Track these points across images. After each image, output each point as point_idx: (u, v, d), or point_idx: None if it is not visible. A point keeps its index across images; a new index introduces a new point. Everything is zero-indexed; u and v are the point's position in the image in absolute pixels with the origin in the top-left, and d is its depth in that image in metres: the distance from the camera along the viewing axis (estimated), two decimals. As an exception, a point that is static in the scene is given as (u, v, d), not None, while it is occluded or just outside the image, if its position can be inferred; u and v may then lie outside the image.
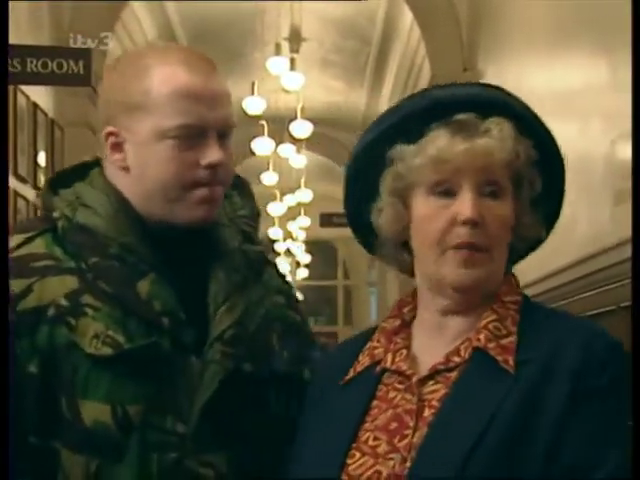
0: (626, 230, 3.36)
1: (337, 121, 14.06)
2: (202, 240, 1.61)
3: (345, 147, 15.15)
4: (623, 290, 3.40)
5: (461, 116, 1.42)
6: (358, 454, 1.39)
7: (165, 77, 1.55)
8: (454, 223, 1.40)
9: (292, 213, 16.38)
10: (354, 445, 1.40)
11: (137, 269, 1.55)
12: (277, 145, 12.35)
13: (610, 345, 1.37)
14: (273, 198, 15.97)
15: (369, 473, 1.36)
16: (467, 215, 1.39)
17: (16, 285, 1.52)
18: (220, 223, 1.64)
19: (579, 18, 4.44)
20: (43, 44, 6.28)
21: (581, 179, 4.30)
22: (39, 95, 6.36)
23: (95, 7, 6.93)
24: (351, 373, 1.49)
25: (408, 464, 1.34)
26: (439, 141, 1.41)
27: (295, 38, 10.73)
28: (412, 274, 1.52)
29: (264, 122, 11.92)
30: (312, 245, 19.28)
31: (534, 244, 1.52)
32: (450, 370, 1.40)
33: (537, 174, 1.46)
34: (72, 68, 5.41)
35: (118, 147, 1.59)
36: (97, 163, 1.65)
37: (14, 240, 1.57)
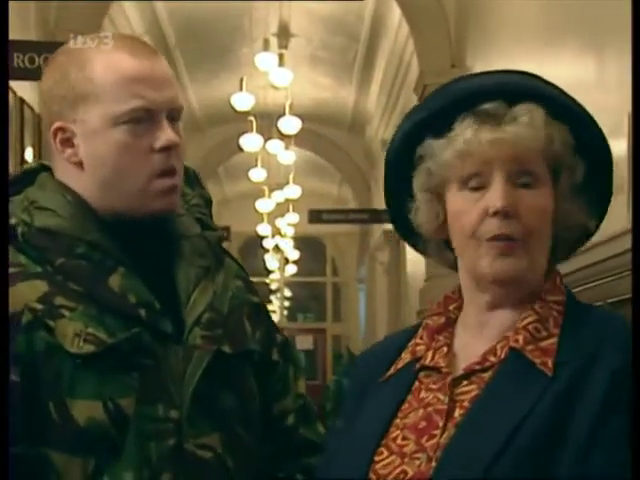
0: (615, 225, 3.37)
1: (325, 117, 14.06)
2: (162, 230, 1.61)
3: (333, 143, 15.19)
4: (614, 285, 3.40)
5: (488, 105, 1.37)
6: (386, 452, 1.38)
7: (108, 64, 1.54)
8: (486, 215, 1.36)
9: (280, 209, 16.38)
10: (383, 442, 1.38)
11: (105, 265, 1.54)
12: (265, 141, 12.34)
13: None
14: (261, 194, 15.97)
15: (396, 472, 1.35)
16: (497, 206, 1.35)
17: None
18: (178, 213, 1.64)
19: (568, 15, 4.44)
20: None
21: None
22: (26, 90, 6.33)
23: (82, 4, 6.90)
24: (392, 370, 1.47)
25: (434, 464, 1.32)
26: (466, 133, 1.37)
27: (284, 34, 10.73)
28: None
29: (252, 118, 11.91)
30: (301, 241, 19.28)
31: (582, 236, 1.46)
32: (485, 370, 1.37)
33: (578, 160, 1.40)
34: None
35: (68, 142, 1.57)
36: (42, 168, 1.64)
37: None
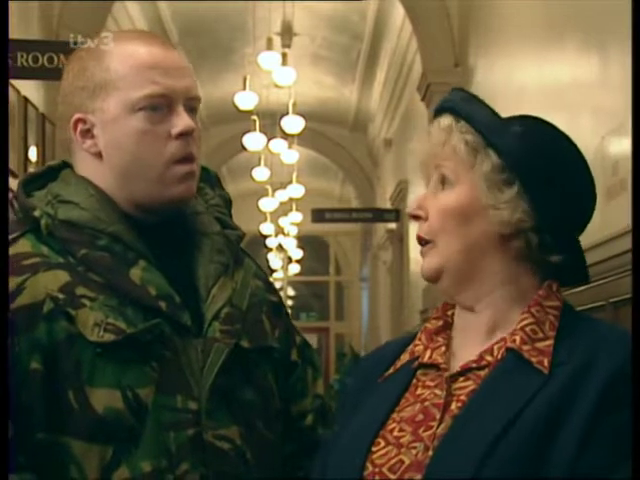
0: (616, 226, 3.38)
1: (328, 116, 14.07)
2: (182, 226, 1.65)
3: (336, 142, 15.18)
4: (613, 286, 3.41)
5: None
6: (383, 442, 1.40)
7: (125, 53, 1.60)
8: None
9: (284, 209, 16.39)
10: (380, 433, 1.41)
11: (126, 257, 1.57)
12: (269, 140, 12.33)
13: None
14: (265, 193, 15.97)
15: (392, 462, 1.38)
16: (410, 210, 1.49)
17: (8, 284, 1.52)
18: (197, 211, 1.68)
19: (570, 14, 4.44)
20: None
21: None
22: (30, 89, 6.34)
23: (85, 3, 6.92)
24: (391, 370, 1.51)
25: (430, 453, 1.35)
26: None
27: (287, 33, 10.73)
28: None
29: (255, 117, 11.91)
30: (304, 241, 19.29)
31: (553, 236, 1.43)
32: (482, 368, 1.41)
33: (485, 158, 1.43)
34: (63, 62, 5.39)
35: (88, 133, 1.61)
36: (63, 166, 1.67)
37: None
